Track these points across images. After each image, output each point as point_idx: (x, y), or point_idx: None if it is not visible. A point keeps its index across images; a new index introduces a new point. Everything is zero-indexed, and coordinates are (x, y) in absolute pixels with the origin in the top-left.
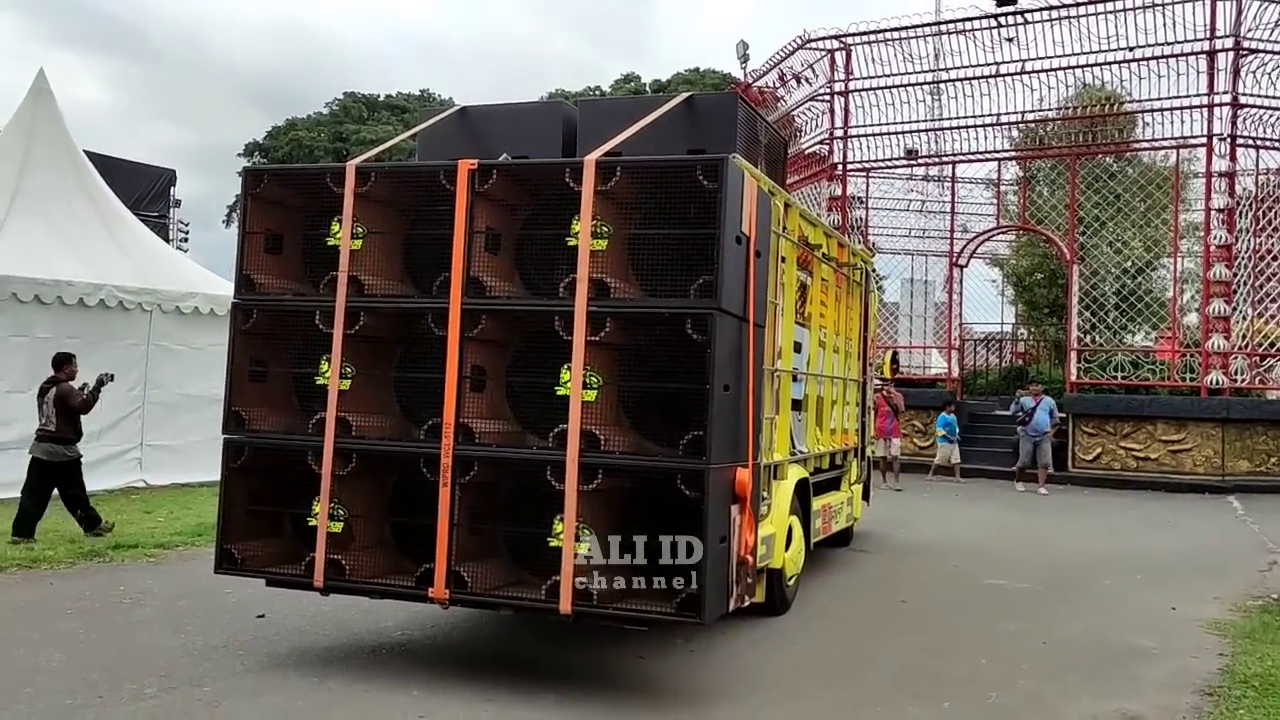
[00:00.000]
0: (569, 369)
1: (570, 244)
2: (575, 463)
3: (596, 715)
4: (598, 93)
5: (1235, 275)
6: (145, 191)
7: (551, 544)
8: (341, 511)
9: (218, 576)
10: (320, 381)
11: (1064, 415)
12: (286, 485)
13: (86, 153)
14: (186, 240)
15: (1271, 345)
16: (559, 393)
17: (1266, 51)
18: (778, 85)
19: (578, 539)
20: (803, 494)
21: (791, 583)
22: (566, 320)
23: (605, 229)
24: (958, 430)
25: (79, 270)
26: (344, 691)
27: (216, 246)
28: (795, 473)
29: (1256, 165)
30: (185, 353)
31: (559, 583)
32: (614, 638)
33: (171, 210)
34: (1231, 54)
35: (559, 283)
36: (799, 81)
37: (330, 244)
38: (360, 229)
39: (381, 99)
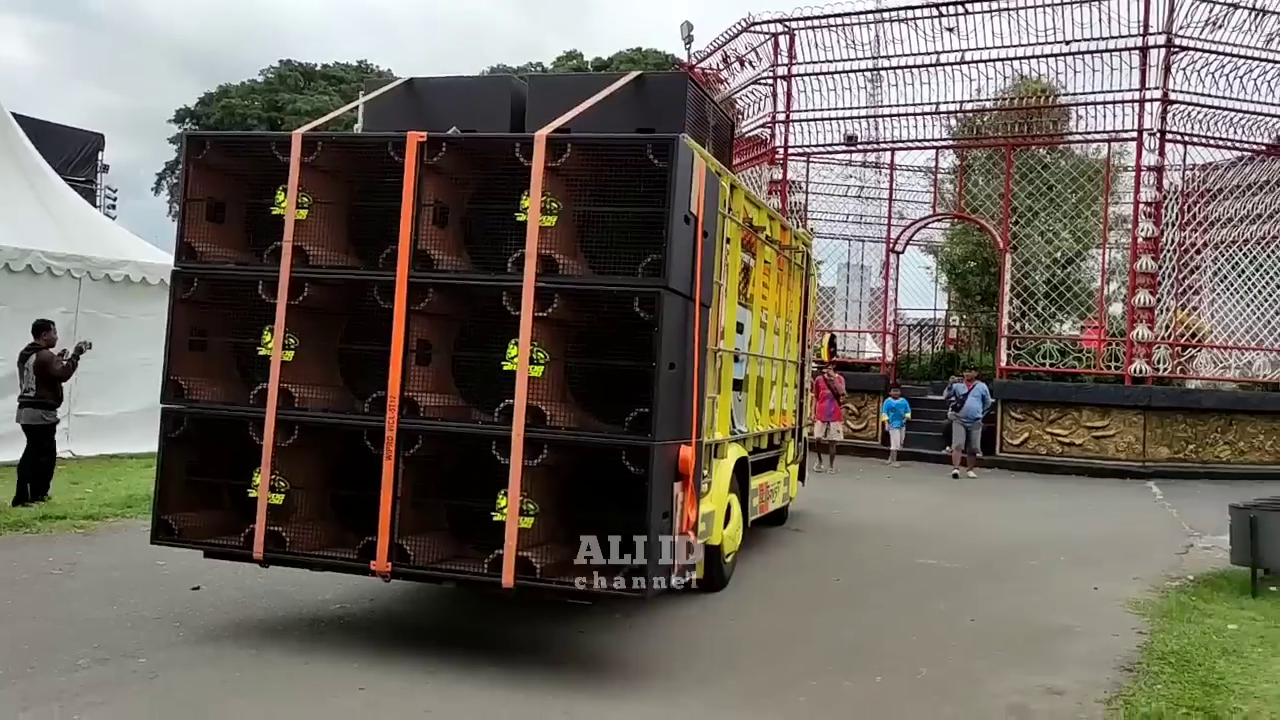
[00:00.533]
0: (516, 344)
1: (519, 219)
2: (520, 438)
3: (537, 688)
4: (539, 69)
5: (1160, 268)
6: (72, 156)
7: (495, 518)
8: (282, 483)
9: (152, 548)
10: (263, 352)
11: (994, 401)
12: (226, 456)
13: (13, 115)
14: (114, 207)
15: (1193, 336)
16: (505, 368)
17: (1197, 49)
18: (721, 68)
19: (522, 513)
20: (741, 473)
21: (729, 560)
22: (514, 296)
23: (555, 205)
24: (906, 412)
25: (4, 234)
26: (282, 663)
27: (146, 214)
28: (735, 452)
29: (1184, 161)
30: (115, 322)
31: (502, 557)
32: (555, 612)
33: (99, 176)
34: (1163, 51)
35: (507, 258)
36: (742, 64)
37: (275, 213)
38: (306, 199)
39: (319, 69)
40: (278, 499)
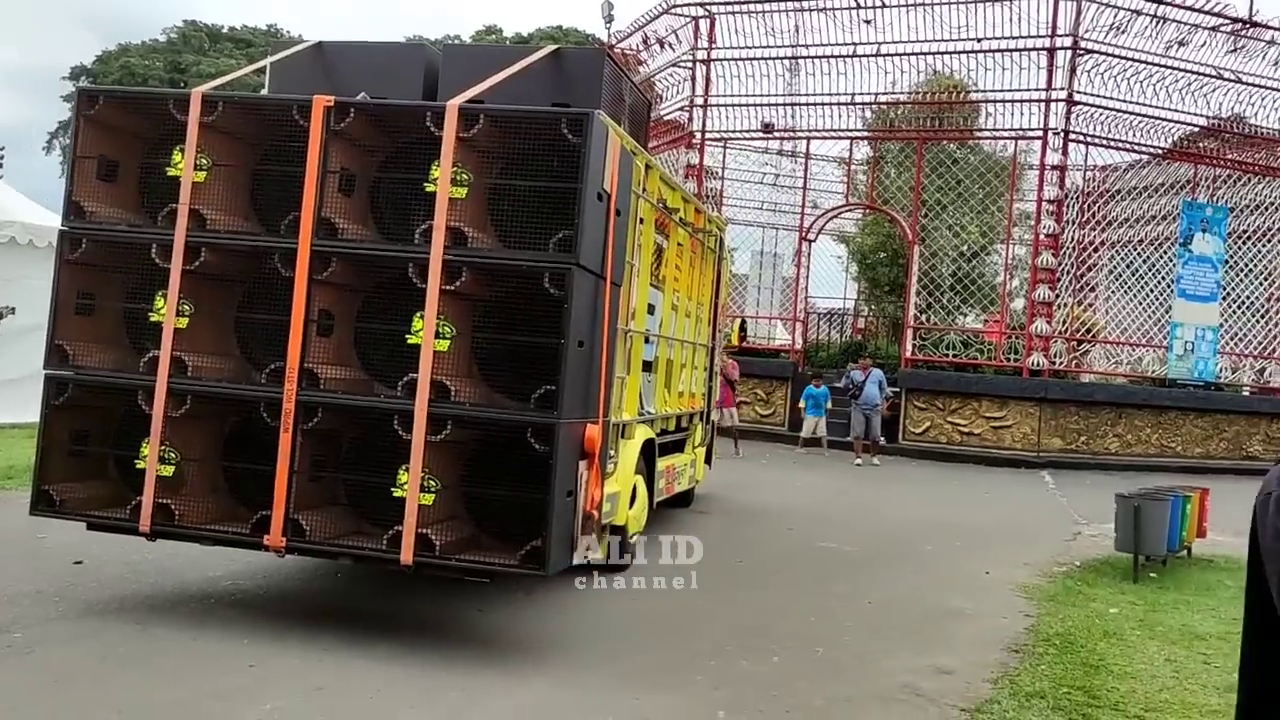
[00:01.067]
0: (421, 317)
1: (429, 190)
2: (424, 412)
3: (434, 666)
4: (457, 41)
5: (1060, 264)
6: None
7: (395, 494)
8: (173, 455)
9: (31, 520)
10: (155, 318)
11: (897, 390)
12: (113, 425)
13: None
14: (1, 166)
15: (1088, 332)
16: (410, 341)
17: (1101, 53)
18: (641, 49)
19: (423, 490)
20: (648, 454)
21: (633, 540)
22: (421, 268)
23: (465, 177)
24: (825, 403)
25: None
26: (169, 639)
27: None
28: (642, 433)
29: (1085, 161)
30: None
31: (401, 533)
32: (455, 590)
33: None
34: (1069, 53)
35: (415, 229)
36: (662, 46)
37: (171, 174)
38: (204, 160)
39: (225, 31)
40: (167, 471)
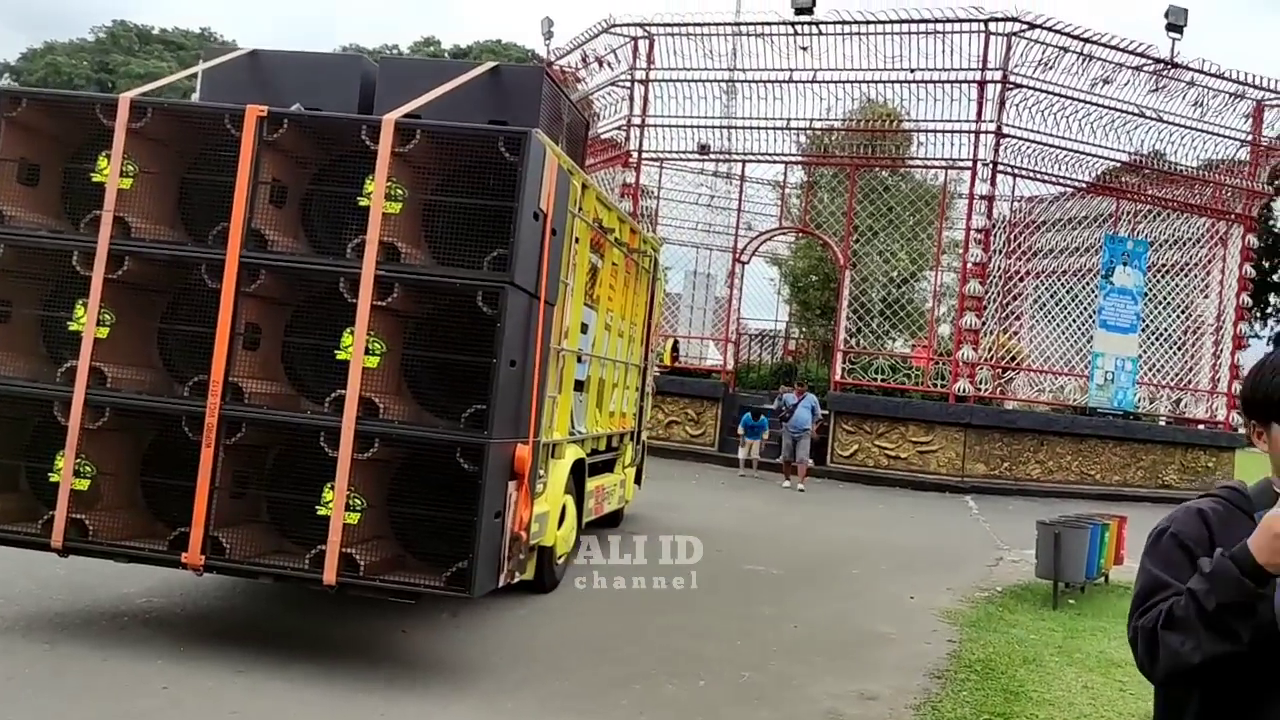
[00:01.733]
0: (351, 333)
1: (362, 204)
2: (351, 429)
3: (353, 689)
4: (395, 52)
5: (987, 292)
6: None
7: (320, 512)
8: (89, 468)
9: None
10: (74, 327)
11: (826, 413)
12: (25, 437)
13: None
14: None
15: (1012, 359)
16: (339, 357)
17: (1029, 87)
18: (580, 66)
19: (348, 508)
20: (578, 474)
21: (561, 561)
22: (352, 282)
23: (400, 192)
24: (763, 432)
25: None
26: (79, 658)
27: None
28: (573, 452)
29: (1013, 192)
30: None
31: (324, 552)
32: (378, 611)
33: None
34: (999, 86)
35: (347, 243)
36: (601, 65)
37: (95, 180)
38: (131, 167)
39: (156, 32)
40: (82, 485)
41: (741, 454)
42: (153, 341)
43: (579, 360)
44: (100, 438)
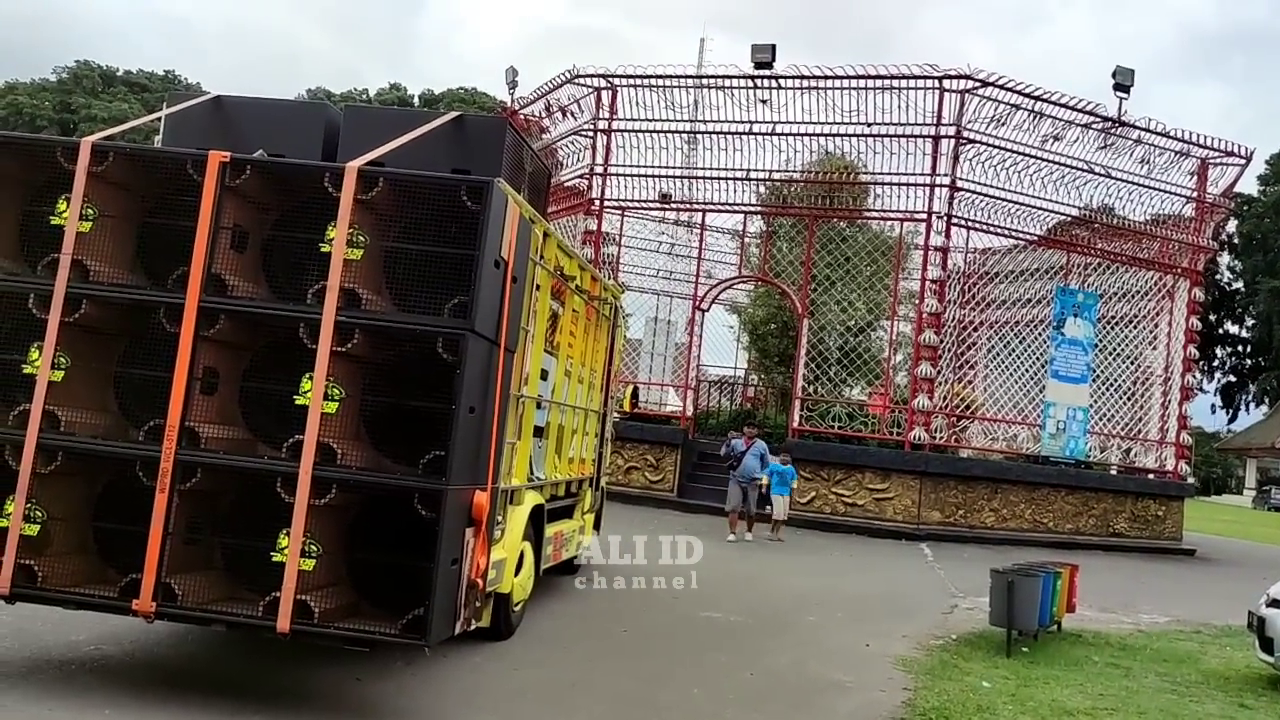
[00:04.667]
0: (310, 378)
1: (324, 250)
2: (308, 475)
3: None
4: (363, 98)
5: (942, 342)
6: None
7: (275, 558)
8: (39, 513)
9: None
10: (28, 370)
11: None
12: None
13: None
14: None
15: (967, 408)
16: (298, 402)
17: (981, 143)
18: (543, 115)
19: (303, 555)
20: (537, 520)
21: (518, 608)
22: (312, 328)
23: (362, 239)
24: (792, 479)
25: None
26: (22, 709)
27: None
28: (531, 499)
29: (967, 244)
30: None
31: (279, 599)
32: (332, 658)
33: None
34: (953, 141)
35: (307, 289)
36: (564, 114)
37: (54, 223)
38: (91, 210)
39: (120, 74)
40: (32, 530)
41: (776, 512)
42: (109, 385)
43: (538, 406)
44: (52, 482)
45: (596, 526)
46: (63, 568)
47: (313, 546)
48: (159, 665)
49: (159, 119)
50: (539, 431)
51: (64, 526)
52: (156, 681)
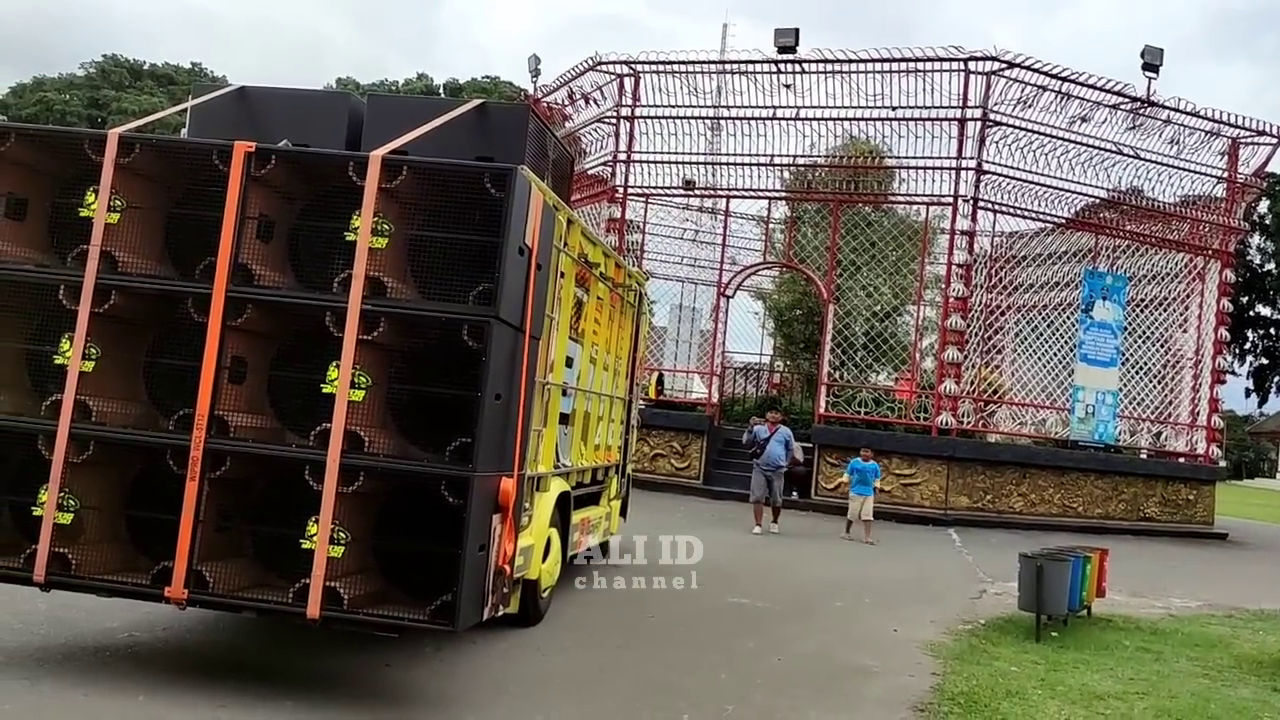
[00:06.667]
0: (337, 367)
1: (349, 239)
2: (336, 463)
3: None
4: (390, 89)
5: (968, 326)
6: None
7: (304, 546)
8: (73, 502)
9: None
10: (59, 361)
11: (810, 445)
12: (8, 470)
13: None
14: None
15: (995, 392)
16: (325, 390)
17: (1008, 125)
18: (566, 103)
19: (332, 542)
20: (563, 507)
21: (546, 594)
22: (339, 317)
23: (386, 227)
24: (876, 478)
25: None
26: (59, 695)
27: None
28: (558, 485)
29: (993, 227)
30: None
31: (308, 586)
32: (361, 644)
33: None
34: (979, 124)
35: (333, 278)
36: (587, 102)
37: (83, 215)
38: (119, 202)
39: (147, 67)
40: (66, 519)
41: (864, 512)
42: (138, 375)
43: (564, 394)
44: (84, 471)
45: (623, 513)
46: (96, 556)
47: (341, 533)
48: (191, 652)
49: (184, 110)
50: (565, 419)
51: (96, 515)
52: (189, 668)
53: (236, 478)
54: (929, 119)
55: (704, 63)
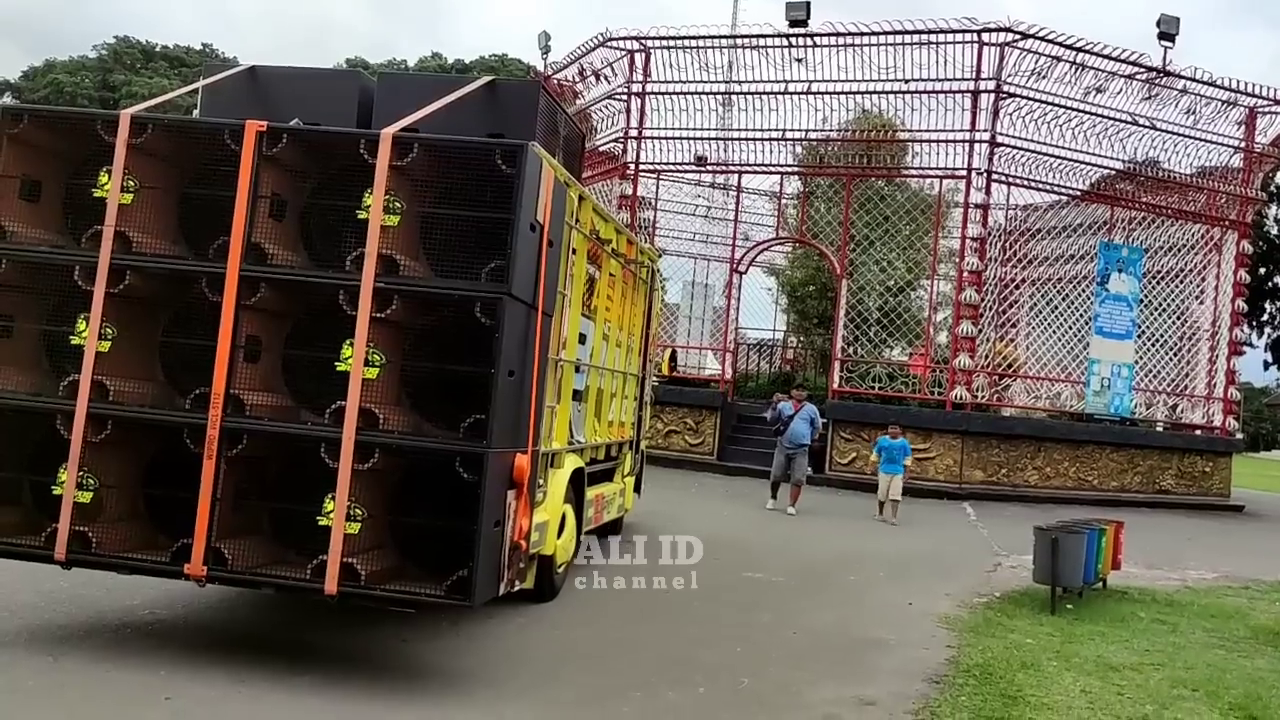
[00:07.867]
0: (351, 345)
1: (360, 217)
2: (351, 440)
3: (355, 698)
4: (403, 68)
5: (983, 300)
6: None
7: (321, 522)
8: (91, 481)
9: None
10: (76, 341)
11: (825, 420)
12: (28, 450)
13: None
14: None
15: (1009, 366)
16: (339, 368)
17: (1022, 97)
18: (577, 80)
19: (348, 518)
20: (577, 483)
21: (561, 570)
22: (352, 295)
23: (398, 205)
24: (905, 456)
25: None
26: (81, 671)
27: None
28: (572, 462)
29: (1007, 200)
30: None
31: (325, 562)
32: (378, 620)
33: None
34: (993, 96)
35: (346, 256)
36: (598, 78)
37: (97, 195)
38: (132, 182)
39: (158, 49)
40: (85, 497)
41: (892, 492)
42: (154, 355)
43: (577, 370)
44: (102, 450)
45: (637, 489)
46: (115, 534)
47: (357, 510)
48: (211, 628)
49: (196, 90)
50: (578, 395)
51: (115, 494)
52: (209, 644)
53: (253, 456)
54: (942, 91)
55: (715, 37)
